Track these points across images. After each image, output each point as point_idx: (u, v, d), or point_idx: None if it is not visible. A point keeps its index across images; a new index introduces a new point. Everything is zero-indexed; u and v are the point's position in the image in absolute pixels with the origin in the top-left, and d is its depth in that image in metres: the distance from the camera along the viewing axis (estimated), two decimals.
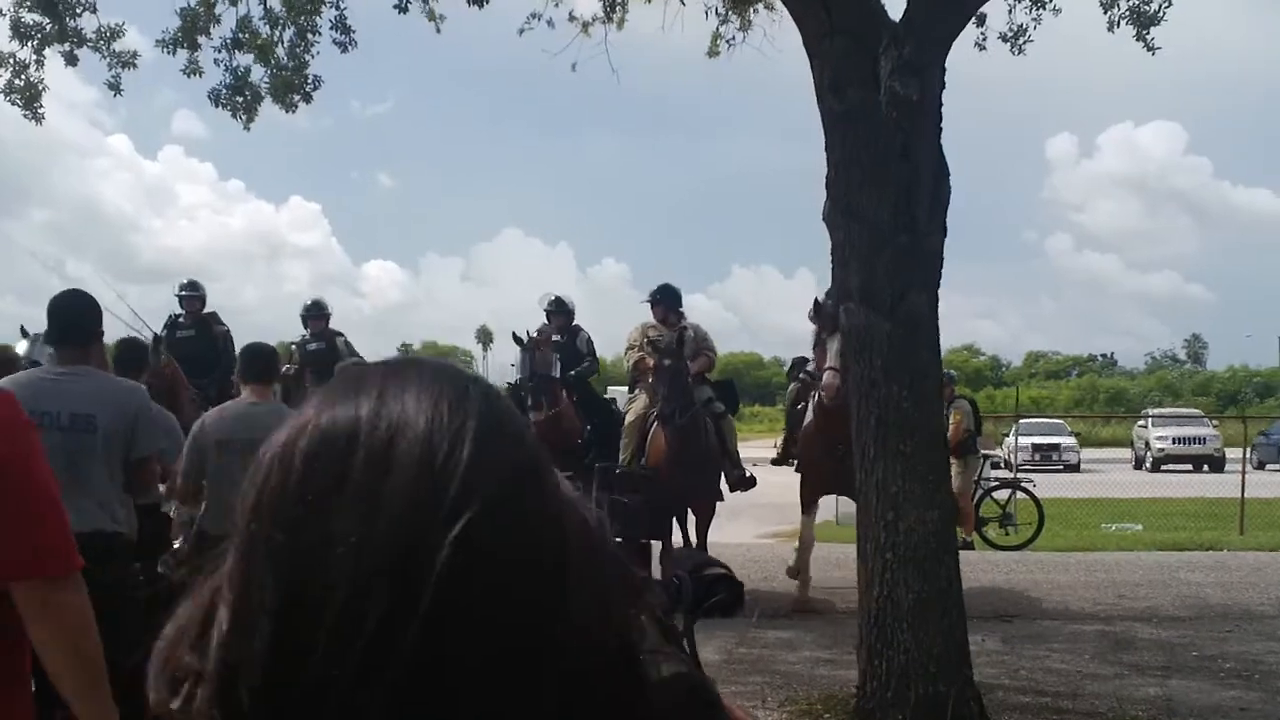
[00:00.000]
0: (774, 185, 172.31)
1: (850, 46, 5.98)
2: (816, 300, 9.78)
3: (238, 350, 10.15)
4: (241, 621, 0.77)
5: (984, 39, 10.18)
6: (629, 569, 0.89)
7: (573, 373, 11.02)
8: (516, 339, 10.71)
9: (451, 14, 10.52)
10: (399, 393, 0.81)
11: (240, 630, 0.77)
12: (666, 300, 10.83)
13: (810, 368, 10.67)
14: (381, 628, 0.73)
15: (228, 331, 11.38)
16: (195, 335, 11.02)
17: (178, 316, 11.43)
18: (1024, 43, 10.10)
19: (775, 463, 11.22)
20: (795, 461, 10.83)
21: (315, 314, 11.72)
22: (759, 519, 10.99)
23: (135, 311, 10.53)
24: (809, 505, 10.46)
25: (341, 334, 11.74)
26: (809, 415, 10.16)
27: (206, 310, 11.51)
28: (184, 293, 11.47)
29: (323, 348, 11.30)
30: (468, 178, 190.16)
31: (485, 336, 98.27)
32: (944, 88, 6.08)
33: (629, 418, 10.39)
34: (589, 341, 11.34)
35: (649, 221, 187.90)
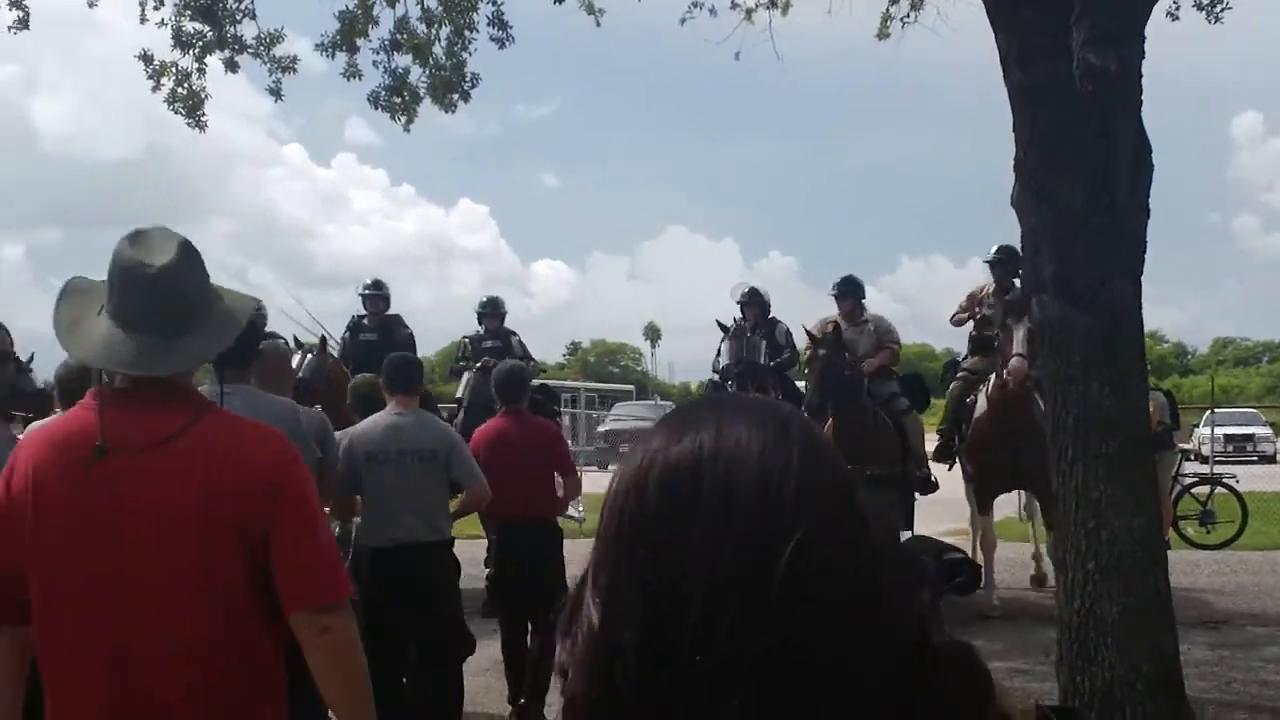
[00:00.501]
0: (943, 172, 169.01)
1: (1040, 16, 5.55)
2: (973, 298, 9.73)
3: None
4: (611, 619, 0.92)
5: (1177, 7, 9.53)
6: (916, 557, 1.06)
7: (773, 362, 10.61)
8: (721, 326, 10.43)
9: (610, 6, 10.34)
10: (732, 427, 0.95)
11: (611, 626, 0.92)
12: (850, 292, 10.55)
13: (965, 366, 10.29)
14: (735, 627, 0.88)
15: (411, 335, 11.00)
16: (379, 339, 10.55)
17: (361, 318, 11.13)
18: (1222, 10, 9.38)
19: (934, 459, 10.68)
20: (956, 462, 10.38)
21: (490, 311, 11.46)
22: (929, 516, 10.53)
23: (313, 316, 10.68)
24: (985, 506, 9.92)
25: (515, 333, 11.47)
26: (980, 407, 9.60)
27: (390, 312, 11.20)
28: (367, 292, 11.15)
29: (498, 345, 11.03)
30: (631, 175, 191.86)
31: (653, 333, 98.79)
32: (1143, 57, 5.58)
33: None
34: (788, 333, 10.87)
35: (815, 213, 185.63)
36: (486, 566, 8.18)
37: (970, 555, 9.71)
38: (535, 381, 11.13)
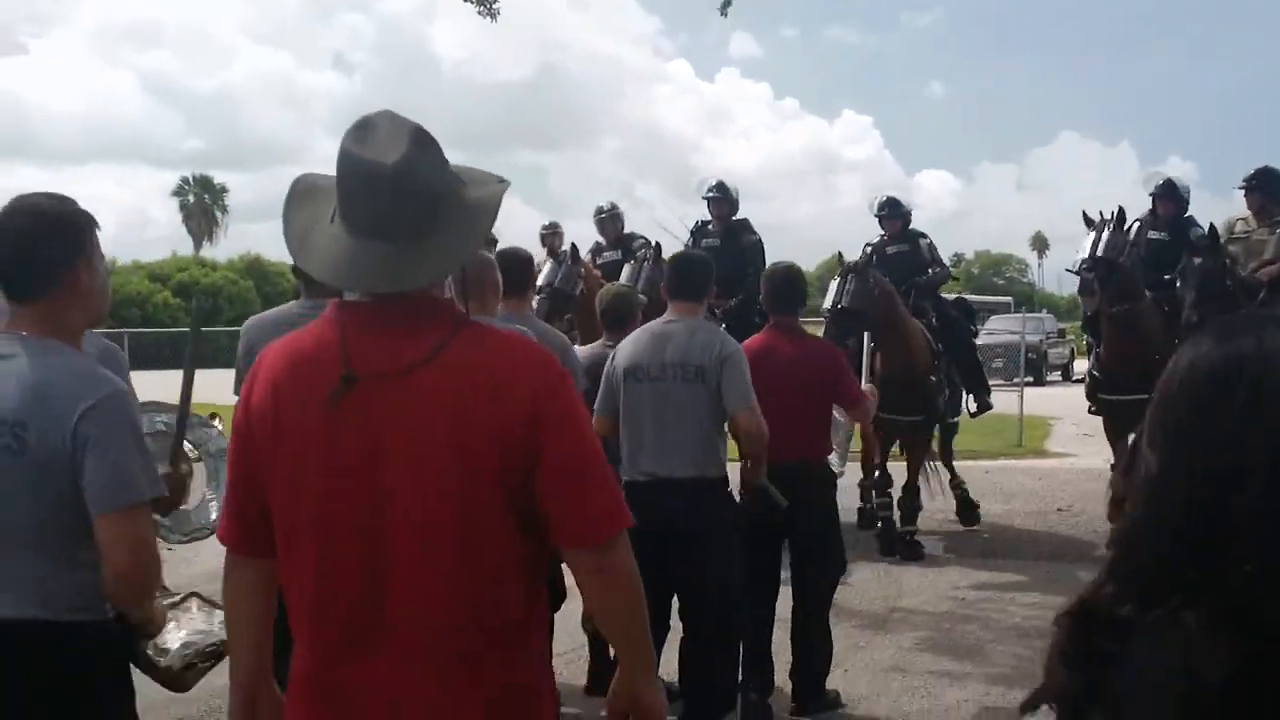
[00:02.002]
0: None
1: None
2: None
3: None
4: (1163, 470, 1.19)
5: None
6: None
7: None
8: (1087, 220, 8.82)
9: None
10: (1270, 338, 1.17)
11: (1163, 474, 1.19)
12: (1266, 187, 9.34)
13: None
14: (1265, 495, 1.11)
15: (759, 242, 10.16)
16: (721, 245, 9.71)
17: (705, 223, 10.32)
18: None
19: None
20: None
21: (892, 213, 10.07)
22: None
23: (687, 226, 10.28)
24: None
25: (925, 235, 10.17)
26: None
27: (737, 217, 10.31)
28: (711, 194, 10.28)
29: (904, 250, 10.00)
30: (1021, 82, 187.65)
31: (1040, 244, 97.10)
32: None
33: None
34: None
35: (1220, 118, 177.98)
36: None
37: None
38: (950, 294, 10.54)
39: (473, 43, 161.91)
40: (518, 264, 5.15)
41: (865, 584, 8.10)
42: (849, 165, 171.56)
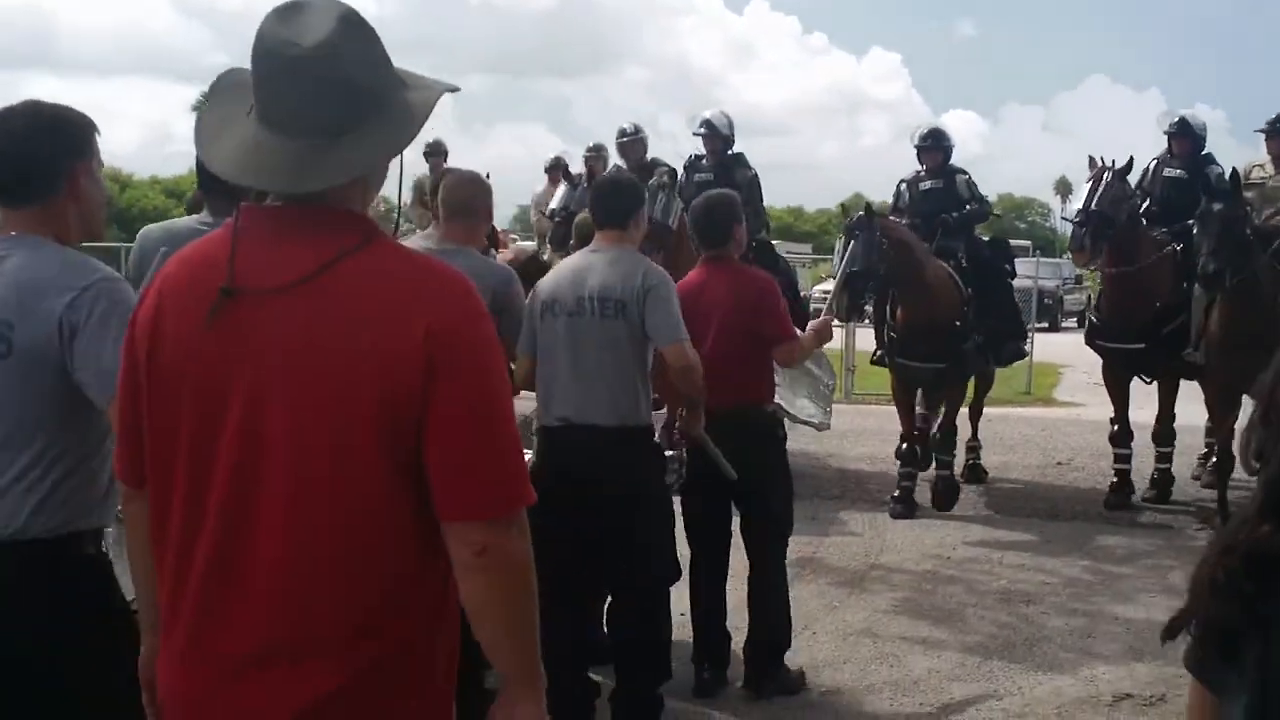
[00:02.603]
0: None
1: None
2: None
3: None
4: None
5: None
6: None
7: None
8: (1091, 165, 8.40)
9: None
10: None
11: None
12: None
13: None
14: None
15: (755, 177, 9.63)
16: (714, 180, 9.03)
17: (699, 157, 9.85)
18: None
19: None
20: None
21: (935, 144, 9.42)
22: None
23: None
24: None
25: (964, 171, 9.46)
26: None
27: (733, 151, 9.82)
28: (700, 131, 9.79)
29: (938, 186, 9.39)
30: (1053, 22, 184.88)
31: (1064, 188, 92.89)
32: None
33: None
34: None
35: (1253, 62, 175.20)
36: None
37: None
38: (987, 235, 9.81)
39: None
40: (464, 185, 4.66)
41: (847, 538, 7.75)
42: (876, 104, 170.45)
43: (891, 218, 8.70)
